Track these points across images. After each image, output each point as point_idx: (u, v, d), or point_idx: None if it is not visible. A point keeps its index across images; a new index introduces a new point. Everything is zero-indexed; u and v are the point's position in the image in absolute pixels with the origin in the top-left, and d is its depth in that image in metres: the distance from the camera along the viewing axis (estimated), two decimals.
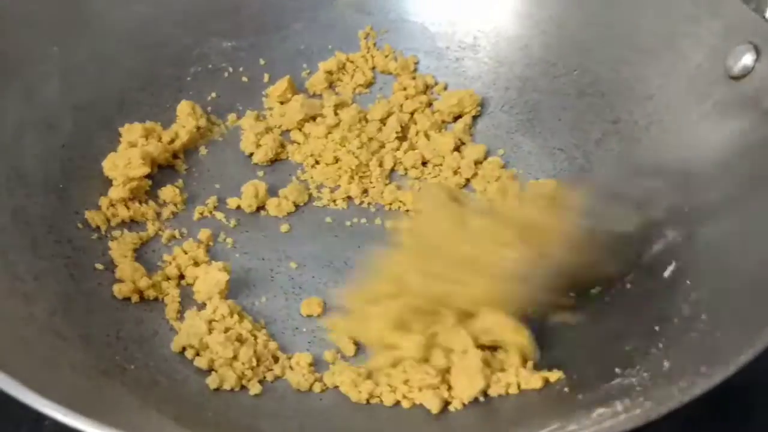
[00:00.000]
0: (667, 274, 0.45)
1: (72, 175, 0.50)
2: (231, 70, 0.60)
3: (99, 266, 0.47)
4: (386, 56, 0.61)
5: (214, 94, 0.59)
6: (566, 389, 0.41)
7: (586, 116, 0.56)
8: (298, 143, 0.57)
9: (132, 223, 0.51)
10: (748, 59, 0.48)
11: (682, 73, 0.51)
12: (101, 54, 0.55)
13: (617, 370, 0.40)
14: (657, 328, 0.42)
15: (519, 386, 0.41)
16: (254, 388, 0.42)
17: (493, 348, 0.43)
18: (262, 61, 0.60)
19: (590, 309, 0.45)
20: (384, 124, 0.57)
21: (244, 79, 0.60)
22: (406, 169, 0.56)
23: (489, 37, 0.61)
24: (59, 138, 0.51)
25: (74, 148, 0.51)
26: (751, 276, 0.39)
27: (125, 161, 0.49)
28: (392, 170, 0.56)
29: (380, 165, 0.55)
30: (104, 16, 0.56)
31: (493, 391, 0.41)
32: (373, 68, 0.61)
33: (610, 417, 0.34)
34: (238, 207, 0.52)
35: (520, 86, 0.59)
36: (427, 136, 0.57)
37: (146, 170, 0.50)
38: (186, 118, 0.55)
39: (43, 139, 0.50)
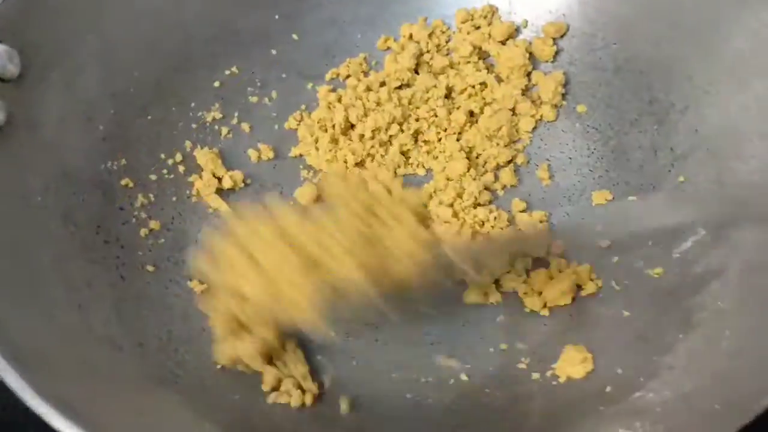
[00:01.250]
0: (694, 274, 0.46)
1: (113, 169, 0.51)
2: (263, 43, 0.59)
3: (150, 268, 0.49)
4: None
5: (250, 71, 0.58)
6: (592, 395, 0.42)
7: (622, 94, 0.56)
8: None
9: None
10: None
11: (722, 57, 0.50)
12: (135, 38, 0.55)
13: (641, 378, 0.42)
14: (681, 335, 0.43)
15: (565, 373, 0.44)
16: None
17: None
18: (295, 36, 0.59)
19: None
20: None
21: (274, 52, 0.59)
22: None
23: (525, 4, 0.59)
24: (99, 131, 0.52)
25: (114, 140, 0.52)
26: None
27: None
28: None
29: None
30: None
31: None
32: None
33: None
34: None
35: (556, 57, 0.58)
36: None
37: None
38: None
39: (85, 133, 0.51)
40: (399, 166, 0.56)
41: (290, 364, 0.45)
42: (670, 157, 0.52)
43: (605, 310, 0.47)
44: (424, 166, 0.56)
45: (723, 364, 0.39)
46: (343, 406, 0.44)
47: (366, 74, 0.59)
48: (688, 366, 0.40)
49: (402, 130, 0.56)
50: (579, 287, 0.49)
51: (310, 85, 0.59)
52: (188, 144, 0.55)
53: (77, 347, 0.41)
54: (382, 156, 0.55)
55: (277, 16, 0.60)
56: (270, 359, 0.45)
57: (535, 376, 0.46)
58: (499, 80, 0.58)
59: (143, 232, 0.51)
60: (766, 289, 0.41)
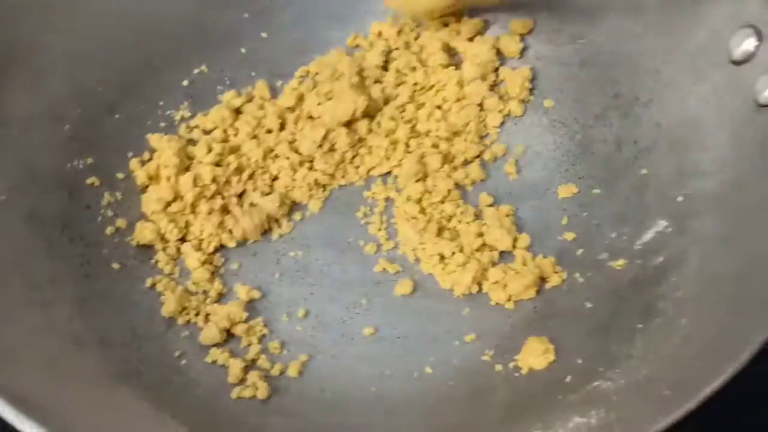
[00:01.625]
0: (655, 264, 0.46)
1: (80, 168, 0.52)
2: (233, 41, 0.59)
3: (116, 265, 0.49)
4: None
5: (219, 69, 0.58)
6: (552, 385, 0.43)
7: (588, 88, 0.56)
8: None
9: None
10: (750, 44, 0.47)
11: (684, 50, 0.51)
12: (102, 36, 0.55)
13: (601, 368, 0.42)
14: (640, 325, 0.43)
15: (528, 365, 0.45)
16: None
17: None
18: (264, 34, 0.60)
19: None
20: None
21: (243, 50, 0.59)
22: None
23: None
24: (66, 130, 0.52)
25: (81, 139, 0.53)
26: (732, 287, 0.40)
27: None
28: None
29: None
30: None
31: None
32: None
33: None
34: None
35: (523, 53, 0.58)
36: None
37: None
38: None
39: (51, 132, 0.51)
40: (373, 166, 0.56)
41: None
42: (633, 150, 0.52)
43: (569, 302, 0.48)
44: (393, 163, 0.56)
45: (676, 351, 0.39)
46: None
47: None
48: (644, 354, 0.41)
49: (371, 129, 0.56)
50: (543, 280, 0.50)
51: (279, 83, 0.59)
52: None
53: (39, 344, 0.41)
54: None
55: (246, 15, 0.60)
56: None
57: (498, 368, 0.46)
58: (467, 76, 0.58)
59: (109, 230, 0.51)
60: (723, 278, 0.41)
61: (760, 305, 0.37)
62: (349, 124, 0.55)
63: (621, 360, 0.42)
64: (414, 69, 0.59)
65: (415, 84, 0.58)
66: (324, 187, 0.55)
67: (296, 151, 0.55)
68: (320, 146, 0.55)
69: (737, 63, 0.47)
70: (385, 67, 0.60)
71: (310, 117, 0.56)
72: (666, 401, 0.35)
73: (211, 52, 0.59)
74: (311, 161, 0.55)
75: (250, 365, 0.46)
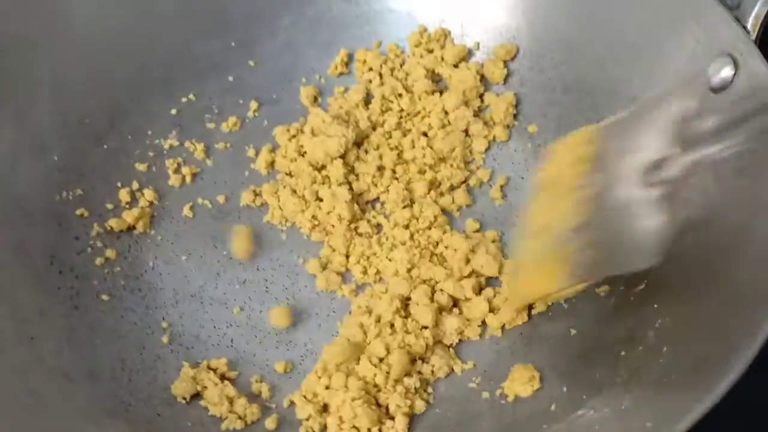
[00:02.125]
0: (637, 291, 0.47)
1: (69, 199, 0.52)
2: (220, 70, 0.60)
3: (105, 297, 0.49)
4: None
5: (207, 97, 0.59)
6: (537, 414, 0.43)
7: (571, 114, 0.57)
8: None
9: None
10: (727, 72, 0.47)
11: (663, 78, 0.51)
12: (89, 67, 0.56)
13: (584, 396, 0.42)
14: (623, 353, 0.44)
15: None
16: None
17: None
18: (251, 62, 0.60)
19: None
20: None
21: (230, 78, 0.60)
22: None
23: (477, 27, 0.61)
24: (53, 161, 0.53)
25: (69, 171, 0.53)
26: (711, 316, 0.41)
27: None
28: None
29: None
30: (88, 27, 0.56)
31: None
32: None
33: None
34: None
35: (508, 79, 0.59)
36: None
37: None
38: None
39: (38, 164, 0.52)
40: (361, 192, 0.56)
41: None
42: None
43: (554, 328, 0.48)
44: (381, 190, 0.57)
45: (658, 380, 0.40)
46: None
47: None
48: (627, 382, 0.41)
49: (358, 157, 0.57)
50: (530, 306, 0.50)
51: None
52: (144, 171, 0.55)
53: (26, 378, 0.41)
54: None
55: (233, 43, 0.60)
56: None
57: (485, 395, 0.46)
58: (452, 102, 0.59)
59: (99, 261, 0.51)
60: (703, 307, 0.42)
61: (737, 336, 0.37)
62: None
63: (604, 387, 0.42)
64: (400, 95, 0.59)
65: (401, 111, 0.59)
66: None
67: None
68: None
69: (715, 91, 0.48)
70: (367, 102, 0.60)
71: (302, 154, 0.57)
72: None
73: (198, 80, 0.60)
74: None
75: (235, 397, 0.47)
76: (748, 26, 0.47)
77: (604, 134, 0.45)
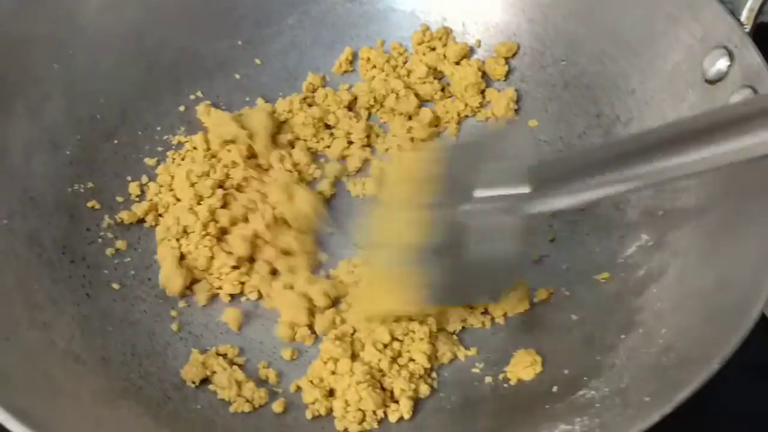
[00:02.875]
0: (637, 277, 0.48)
1: (80, 192, 0.53)
2: (227, 68, 0.61)
3: (116, 286, 0.50)
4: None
5: (214, 95, 0.60)
6: (540, 395, 0.44)
7: (571, 108, 0.58)
8: None
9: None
10: (722, 64, 0.49)
11: (661, 71, 0.53)
12: (100, 65, 0.57)
13: (585, 378, 0.43)
14: (623, 336, 0.45)
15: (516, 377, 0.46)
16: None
17: None
18: (257, 61, 0.62)
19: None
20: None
21: (237, 76, 0.61)
22: None
23: (478, 25, 0.62)
24: (65, 156, 0.54)
25: (80, 165, 0.54)
26: (708, 298, 0.42)
27: None
28: None
29: None
30: (98, 26, 0.57)
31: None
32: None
33: None
34: None
35: (509, 75, 0.61)
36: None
37: None
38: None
39: (51, 159, 0.53)
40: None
41: None
42: None
43: (556, 315, 0.49)
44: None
45: (656, 360, 0.41)
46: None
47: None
48: (626, 363, 0.42)
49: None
50: (531, 294, 0.51)
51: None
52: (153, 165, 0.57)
53: (39, 362, 0.42)
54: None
55: (239, 42, 0.62)
56: None
57: (488, 379, 0.47)
58: (454, 99, 0.60)
59: (109, 251, 0.52)
60: (700, 290, 0.43)
61: (731, 316, 0.38)
62: None
63: (604, 369, 0.43)
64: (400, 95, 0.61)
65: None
66: None
67: None
68: None
69: (711, 82, 0.49)
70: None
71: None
72: (645, 407, 0.36)
73: (206, 78, 0.61)
74: None
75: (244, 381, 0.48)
76: (743, 19, 0.49)
77: (449, 156, 0.45)
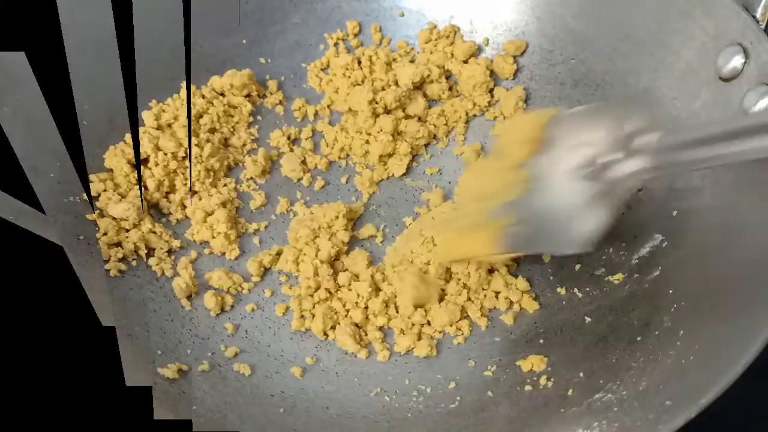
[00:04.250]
0: (651, 278, 0.47)
1: (77, 201, 0.52)
2: (232, 66, 0.61)
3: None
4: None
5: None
6: (554, 399, 0.43)
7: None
8: None
9: None
10: (737, 61, 0.48)
11: (673, 69, 0.52)
12: (103, 63, 0.56)
13: (601, 381, 0.43)
14: (639, 338, 0.44)
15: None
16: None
17: None
18: (262, 60, 0.61)
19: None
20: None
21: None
22: None
23: (486, 23, 0.61)
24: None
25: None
26: (725, 298, 0.41)
27: None
28: None
29: None
30: (96, 24, 0.56)
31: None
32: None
33: None
34: None
35: (517, 74, 0.60)
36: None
37: None
38: None
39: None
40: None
41: None
42: None
43: (568, 317, 0.49)
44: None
45: (674, 362, 0.40)
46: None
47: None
48: (644, 366, 0.42)
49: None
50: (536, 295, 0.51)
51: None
52: None
53: None
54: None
55: (244, 41, 0.61)
56: None
57: (501, 383, 0.47)
58: (462, 98, 0.60)
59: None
60: (717, 290, 0.42)
61: (752, 316, 0.37)
62: None
63: (621, 372, 0.42)
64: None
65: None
66: None
67: None
68: None
69: (725, 80, 0.48)
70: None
71: None
72: (667, 411, 0.36)
73: (211, 76, 0.60)
74: None
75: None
76: (757, 15, 0.48)
77: (556, 122, 0.46)
